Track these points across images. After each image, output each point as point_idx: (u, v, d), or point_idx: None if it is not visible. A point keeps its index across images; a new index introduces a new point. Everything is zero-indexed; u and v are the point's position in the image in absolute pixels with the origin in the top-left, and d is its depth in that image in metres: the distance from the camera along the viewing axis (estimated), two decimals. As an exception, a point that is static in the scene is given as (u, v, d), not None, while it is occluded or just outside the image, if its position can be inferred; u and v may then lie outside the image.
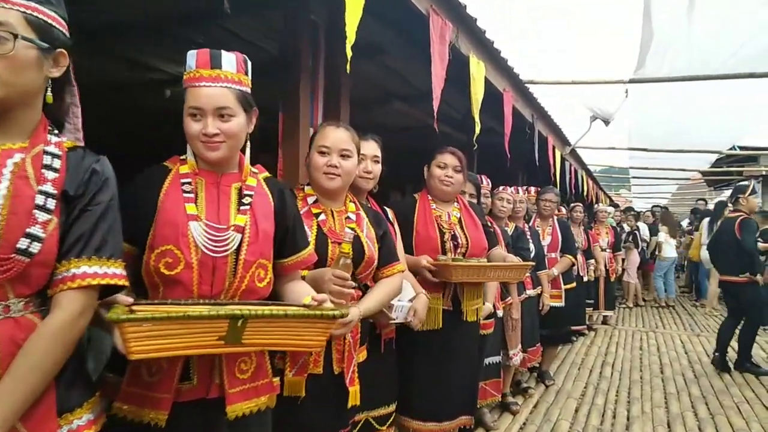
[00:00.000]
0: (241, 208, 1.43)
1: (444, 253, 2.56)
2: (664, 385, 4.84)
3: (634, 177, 12.71)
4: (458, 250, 2.58)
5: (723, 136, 8.61)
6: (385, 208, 2.49)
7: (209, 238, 1.35)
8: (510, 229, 4.09)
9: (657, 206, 10.58)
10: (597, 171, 13.85)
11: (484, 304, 3.05)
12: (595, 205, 8.08)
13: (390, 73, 5.35)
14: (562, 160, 7.39)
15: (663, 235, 9.48)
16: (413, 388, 2.54)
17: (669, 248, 9.46)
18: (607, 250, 7.57)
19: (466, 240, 2.59)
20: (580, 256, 6.69)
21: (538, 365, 4.80)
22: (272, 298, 1.53)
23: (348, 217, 1.90)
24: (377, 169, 2.25)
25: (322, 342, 1.26)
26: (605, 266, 7.44)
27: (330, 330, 1.27)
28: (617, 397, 4.51)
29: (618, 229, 8.25)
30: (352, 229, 1.85)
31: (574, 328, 6.71)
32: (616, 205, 12.72)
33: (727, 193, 15.43)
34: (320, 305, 1.37)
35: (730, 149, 10.31)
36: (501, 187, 4.01)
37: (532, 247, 4.37)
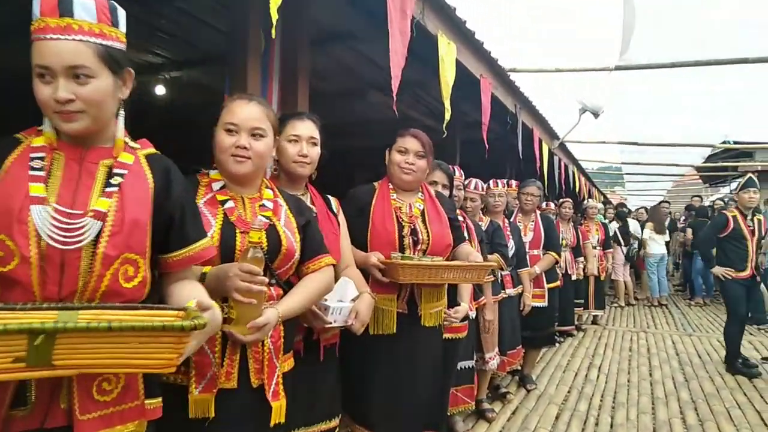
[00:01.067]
0: (107, 190, 1.16)
1: (402, 249, 2.29)
2: (652, 389, 4.59)
3: (627, 174, 12.45)
4: (418, 247, 2.31)
5: (716, 131, 8.33)
6: (329, 197, 2.22)
7: (56, 226, 1.08)
8: (484, 224, 3.82)
9: (666, 201, 10.29)
10: (592, 169, 13.63)
11: (460, 304, 2.80)
12: (585, 201, 7.83)
13: (369, 62, 5.10)
14: (551, 154, 7.14)
15: (648, 232, 9.23)
16: (369, 399, 2.28)
17: (655, 244, 9.22)
18: (597, 248, 7.32)
19: (428, 235, 2.32)
20: (568, 254, 6.46)
21: (520, 368, 4.55)
22: (159, 302, 1.27)
23: (263, 205, 1.62)
24: (314, 152, 1.98)
25: (172, 361, 0.99)
26: (595, 264, 7.20)
27: (183, 345, 0.99)
28: (602, 403, 4.25)
29: (608, 225, 7.98)
30: (268, 217, 1.58)
31: (561, 328, 6.48)
32: (610, 203, 12.44)
33: (724, 189, 15.23)
34: (201, 312, 1.10)
35: (723, 142, 10.09)
36: (467, 181, 3.74)
37: (511, 243, 4.12)
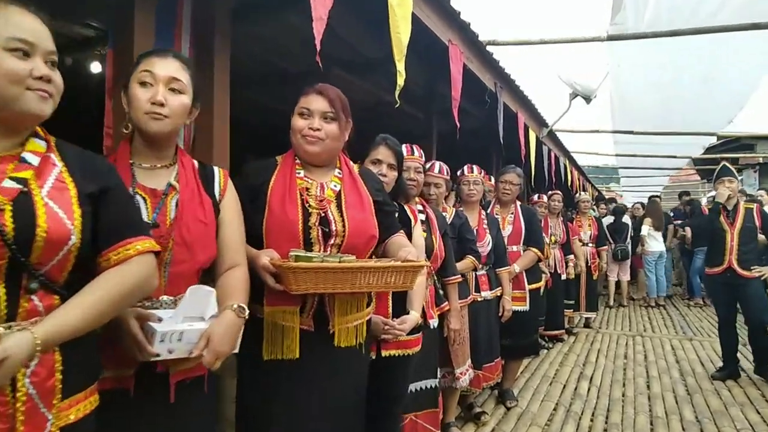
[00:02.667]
0: None
1: (308, 244, 1.68)
2: (650, 406, 3.99)
3: (622, 167, 11.85)
4: (331, 241, 1.70)
5: (715, 119, 7.73)
6: (214, 168, 1.61)
7: None
8: (449, 215, 3.21)
9: (657, 196, 9.65)
10: (587, 166, 13.00)
11: (409, 312, 2.21)
12: (576, 195, 7.23)
13: (331, 36, 4.48)
14: (539, 143, 6.53)
15: (646, 228, 8.62)
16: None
17: (653, 241, 8.62)
18: (589, 244, 6.72)
19: (344, 225, 1.71)
20: (557, 251, 5.87)
21: (498, 382, 3.94)
22: None
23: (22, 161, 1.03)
24: (178, 102, 1.38)
25: None
26: (586, 262, 6.61)
27: None
28: (592, 423, 3.66)
29: (601, 221, 7.37)
30: (19, 181, 0.98)
31: (550, 332, 5.90)
32: (603, 199, 11.79)
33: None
34: None
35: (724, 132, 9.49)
36: (430, 164, 3.15)
37: (488, 238, 3.52)
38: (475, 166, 3.60)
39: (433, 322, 2.75)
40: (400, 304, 2.24)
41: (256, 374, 1.71)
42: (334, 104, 1.74)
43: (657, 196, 9.31)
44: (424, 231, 2.76)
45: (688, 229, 8.90)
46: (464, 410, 3.65)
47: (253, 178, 1.76)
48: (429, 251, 2.73)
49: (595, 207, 9.30)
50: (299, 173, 1.78)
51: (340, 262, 1.51)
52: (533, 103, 5.83)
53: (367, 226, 1.75)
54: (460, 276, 2.96)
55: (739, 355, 4.76)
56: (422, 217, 2.81)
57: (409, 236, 2.35)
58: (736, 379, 4.58)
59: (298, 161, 1.80)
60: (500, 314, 3.57)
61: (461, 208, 3.61)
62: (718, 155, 9.61)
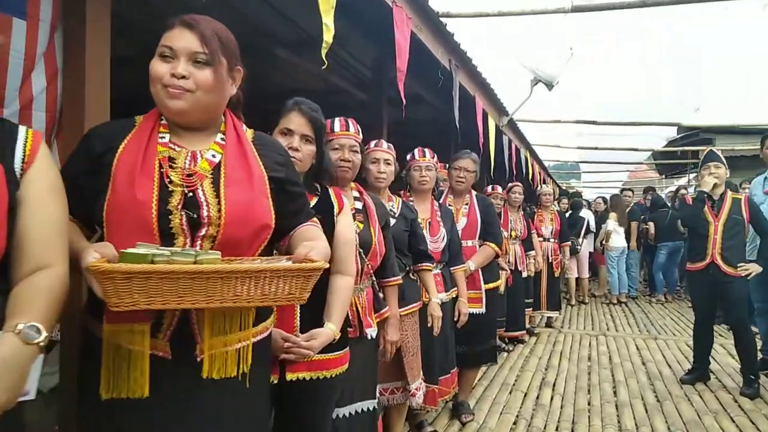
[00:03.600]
0: None
1: (166, 235, 1.18)
2: (618, 416, 3.63)
3: (583, 161, 11.66)
4: (201, 231, 1.20)
5: (677, 112, 7.52)
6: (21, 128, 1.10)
7: None
8: (395, 205, 2.76)
9: (629, 189, 9.45)
10: (549, 165, 12.81)
11: (324, 324, 1.74)
12: (538, 187, 6.90)
13: (271, 11, 3.98)
14: (499, 132, 6.15)
15: (612, 223, 8.38)
16: None
17: (617, 237, 8.40)
18: (551, 240, 6.39)
19: (219, 210, 1.21)
20: (518, 247, 5.51)
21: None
22: None
23: None
24: None
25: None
26: (548, 259, 6.27)
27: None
28: (556, 439, 3.27)
29: (564, 215, 7.06)
30: None
31: (510, 334, 5.52)
32: (566, 193, 11.55)
33: (680, 180, 14.68)
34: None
35: (685, 127, 9.36)
36: (375, 142, 2.70)
37: (442, 232, 3.08)
38: (427, 150, 3.15)
39: (371, 332, 2.30)
40: (314, 314, 1.77)
41: (99, 420, 1.20)
42: (207, 42, 1.24)
43: (629, 189, 9.08)
44: (360, 222, 2.31)
45: (651, 223, 8.77)
46: (413, 429, 3.21)
47: (97, 143, 1.26)
48: (366, 246, 2.27)
49: (557, 202, 9.05)
50: (163, 138, 1.28)
51: (195, 261, 1.01)
52: (492, 88, 5.44)
53: (255, 211, 1.26)
54: (399, 277, 2.51)
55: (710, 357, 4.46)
56: (358, 205, 2.36)
57: (332, 227, 1.89)
58: (705, 383, 4.28)
59: (163, 122, 1.30)
60: (456, 319, 3.14)
61: (411, 199, 3.16)
62: (679, 148, 9.48)
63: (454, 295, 3.14)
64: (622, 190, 8.67)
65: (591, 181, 16.25)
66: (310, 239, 1.34)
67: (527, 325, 6.13)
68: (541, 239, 6.25)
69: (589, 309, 7.99)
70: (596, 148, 8.87)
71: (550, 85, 6.10)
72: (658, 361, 5.05)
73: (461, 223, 3.46)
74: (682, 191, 8.87)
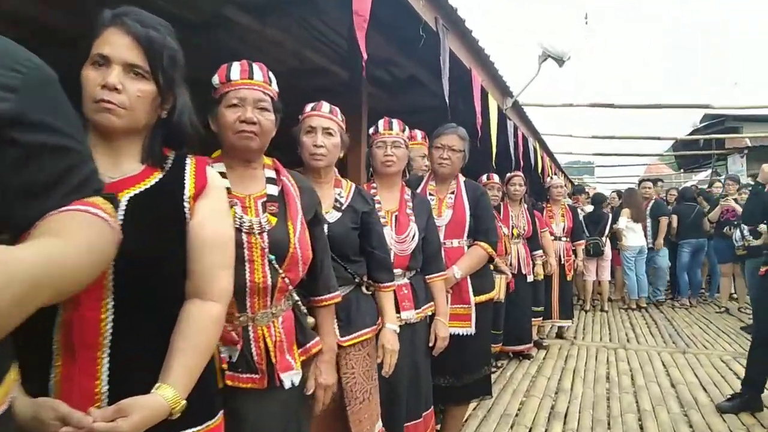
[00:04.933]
0: None
1: None
2: (648, 463, 2.85)
3: (597, 154, 10.78)
4: None
5: (707, 93, 6.68)
6: None
7: None
8: (343, 192, 2.01)
9: (649, 180, 8.49)
10: (563, 165, 11.93)
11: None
12: (547, 179, 6.09)
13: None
14: (502, 116, 5.37)
15: (624, 220, 7.51)
16: None
17: (633, 235, 7.53)
18: (563, 239, 5.59)
19: None
20: (521, 247, 4.72)
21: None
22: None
23: None
24: None
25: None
26: (559, 260, 5.47)
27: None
28: (568, 500, 2.49)
29: (577, 210, 6.24)
30: None
31: (515, 348, 4.75)
32: (583, 190, 10.57)
33: (700, 175, 13.69)
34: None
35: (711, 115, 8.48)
36: (313, 105, 1.96)
37: (412, 229, 2.32)
38: (396, 121, 2.39)
39: (291, 377, 1.55)
40: (140, 366, 1.03)
41: None
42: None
43: (649, 180, 8.17)
44: (272, 214, 1.59)
45: (674, 217, 7.91)
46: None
47: None
48: (279, 251, 1.54)
49: (570, 198, 8.23)
50: None
51: None
52: (492, 61, 4.65)
53: None
54: (339, 294, 1.75)
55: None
56: (271, 189, 1.64)
57: (179, 219, 1.14)
58: (755, 414, 3.47)
59: None
60: (430, 344, 2.37)
61: (374, 185, 2.40)
62: (703, 136, 8.61)
63: (430, 312, 2.38)
64: (641, 181, 7.76)
65: (605, 177, 15.32)
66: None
67: (535, 337, 5.36)
68: (552, 238, 5.46)
69: (605, 316, 7.16)
70: (613, 137, 8.01)
71: (560, 61, 5.30)
72: (690, 383, 4.23)
73: (445, 216, 2.69)
74: (718, 185, 7.98)
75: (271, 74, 1.61)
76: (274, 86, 1.61)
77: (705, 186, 9.56)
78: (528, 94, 5.69)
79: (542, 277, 5.17)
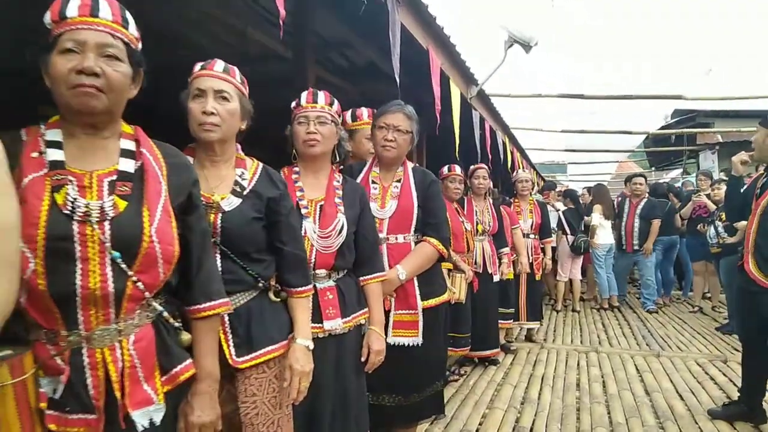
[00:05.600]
0: None
1: None
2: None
3: (568, 150, 10.55)
4: None
5: (680, 83, 6.44)
6: None
7: None
8: (248, 172, 1.62)
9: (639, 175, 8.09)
10: (537, 162, 11.66)
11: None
12: (513, 173, 5.76)
13: None
14: (466, 105, 5.02)
15: (597, 217, 7.24)
16: None
17: (603, 232, 7.28)
18: (531, 236, 5.27)
19: None
20: (487, 244, 4.38)
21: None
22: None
23: None
24: None
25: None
26: (528, 259, 5.14)
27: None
28: None
29: (545, 206, 5.92)
30: None
31: (480, 354, 4.40)
32: (554, 186, 10.30)
33: (673, 173, 13.58)
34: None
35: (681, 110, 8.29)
36: (206, 63, 1.56)
37: (341, 221, 1.92)
38: (322, 92, 1.99)
39: (151, 416, 1.15)
40: None
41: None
42: None
43: (641, 176, 7.81)
44: (122, 197, 1.18)
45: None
46: None
47: None
48: (128, 245, 1.14)
49: (539, 194, 7.96)
50: None
51: None
52: (453, 44, 4.29)
53: None
54: (225, 302, 1.36)
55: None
56: (125, 165, 1.23)
57: None
58: (758, 425, 3.15)
59: None
60: (363, 359, 1.98)
61: (297, 169, 2.01)
62: (675, 131, 8.42)
63: (363, 321, 1.99)
64: (631, 177, 7.40)
65: (578, 174, 15.16)
66: None
67: (503, 340, 5.03)
68: (521, 234, 5.13)
69: (577, 316, 6.88)
70: (584, 131, 7.75)
71: (527, 47, 4.99)
72: (666, 390, 3.93)
73: (389, 208, 2.30)
74: (690, 181, 7.73)
75: (127, 14, 1.21)
76: (132, 30, 1.21)
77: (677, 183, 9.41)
78: (494, 84, 5.37)
79: (512, 276, 4.85)
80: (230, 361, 1.47)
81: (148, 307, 1.19)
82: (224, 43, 4.52)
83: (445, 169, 4.11)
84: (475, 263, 4.26)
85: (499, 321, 4.70)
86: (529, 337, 5.47)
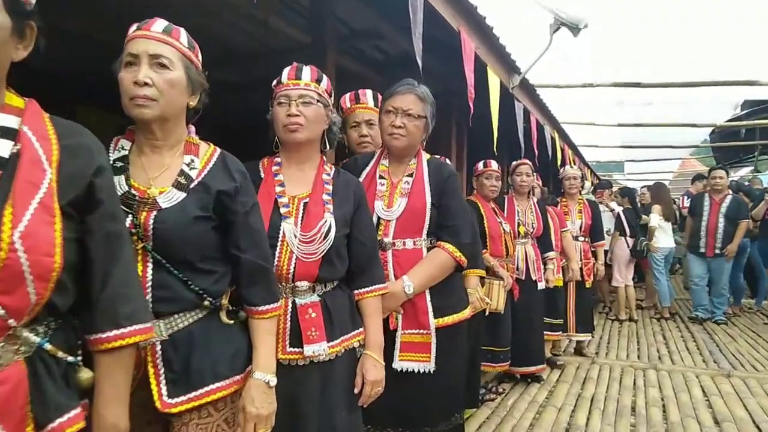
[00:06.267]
0: None
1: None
2: None
3: (626, 146, 9.80)
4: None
5: (744, 73, 5.72)
6: None
7: None
8: (200, 160, 1.30)
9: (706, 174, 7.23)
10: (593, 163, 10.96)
11: None
12: (561, 169, 5.25)
13: None
14: (507, 95, 4.59)
15: (656, 218, 6.57)
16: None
17: (664, 236, 6.61)
18: (580, 238, 4.76)
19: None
20: (530, 247, 3.94)
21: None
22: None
23: None
24: None
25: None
26: (579, 263, 4.64)
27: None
28: None
29: (597, 205, 5.37)
30: None
31: (523, 370, 3.97)
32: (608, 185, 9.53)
33: (740, 172, 12.44)
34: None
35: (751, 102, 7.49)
36: (135, 26, 1.28)
37: (328, 221, 1.58)
38: (308, 67, 1.66)
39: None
40: None
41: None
42: None
43: (722, 168, 6.96)
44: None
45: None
46: None
47: None
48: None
49: (592, 194, 7.35)
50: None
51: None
52: (490, 26, 3.87)
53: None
54: (142, 329, 1.03)
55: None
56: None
57: None
58: None
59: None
60: (357, 389, 1.63)
61: (278, 159, 1.68)
62: (746, 123, 7.61)
63: (357, 343, 1.64)
64: (711, 170, 6.64)
65: (636, 173, 14.20)
66: None
67: (549, 354, 4.54)
68: (571, 237, 4.64)
69: (634, 327, 6.26)
70: (642, 125, 7.09)
71: (576, 29, 4.48)
72: (740, 418, 3.37)
73: (397, 207, 1.94)
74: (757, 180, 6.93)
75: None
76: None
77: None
78: (540, 72, 4.90)
79: (561, 284, 4.38)
80: (158, 404, 1.15)
81: (16, 339, 0.89)
82: (246, 33, 4.27)
83: (481, 164, 3.70)
84: (517, 269, 3.84)
85: (546, 332, 4.25)
86: (578, 351, 4.95)
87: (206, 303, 1.25)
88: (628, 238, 6.41)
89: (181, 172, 1.27)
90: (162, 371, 1.18)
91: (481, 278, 3.10)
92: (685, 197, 7.29)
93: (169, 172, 1.27)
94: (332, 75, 3.56)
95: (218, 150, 1.37)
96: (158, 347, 1.19)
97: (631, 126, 7.37)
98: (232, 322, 1.31)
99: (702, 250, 6.33)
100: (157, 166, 1.28)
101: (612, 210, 6.67)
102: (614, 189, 8.31)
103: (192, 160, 1.30)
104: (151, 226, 1.19)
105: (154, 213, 1.20)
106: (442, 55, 3.87)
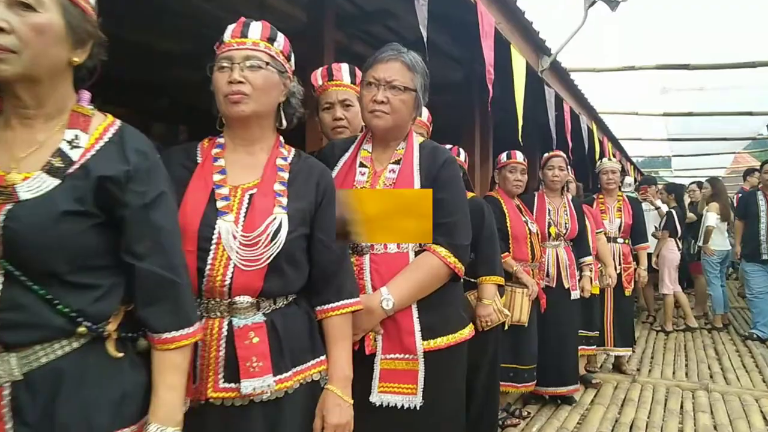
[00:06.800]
0: None
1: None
2: None
3: (673, 139, 9.10)
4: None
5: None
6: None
7: None
8: (90, 138, 0.94)
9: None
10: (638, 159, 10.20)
11: None
12: (598, 162, 4.73)
13: None
14: (534, 78, 4.14)
15: (713, 217, 5.94)
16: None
17: (720, 237, 6.00)
18: (619, 240, 4.27)
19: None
20: (563, 250, 3.50)
21: None
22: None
23: None
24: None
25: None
26: (617, 268, 4.14)
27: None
28: None
29: (639, 203, 4.84)
30: None
31: (555, 391, 3.53)
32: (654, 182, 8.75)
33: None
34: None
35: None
36: None
37: (278, 218, 1.23)
38: (259, 23, 1.31)
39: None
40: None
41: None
42: None
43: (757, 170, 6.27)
44: None
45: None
46: None
47: None
48: None
49: (636, 192, 6.77)
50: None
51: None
52: (514, 0, 3.44)
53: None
54: None
55: None
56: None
57: None
58: None
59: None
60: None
61: (220, 140, 1.33)
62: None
63: (317, 376, 1.27)
64: (765, 162, 5.93)
65: (684, 169, 13.32)
66: None
67: (583, 371, 4.05)
68: (605, 240, 4.16)
69: (682, 340, 5.67)
70: (691, 114, 6.47)
71: (614, 2, 4.00)
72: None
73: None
74: None
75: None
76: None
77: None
78: (573, 54, 4.43)
79: (597, 291, 3.90)
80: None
81: None
82: (243, 15, 3.98)
83: (504, 155, 3.28)
84: (546, 275, 3.41)
85: (580, 347, 3.78)
86: (617, 367, 4.44)
87: (81, 329, 0.92)
88: (678, 240, 5.85)
89: (58, 152, 0.94)
90: (9, 427, 0.85)
91: (501, 286, 2.70)
92: (740, 195, 6.62)
93: (41, 151, 0.94)
94: (331, 56, 3.23)
95: (117, 122, 1.03)
96: (5, 391, 0.86)
97: (678, 115, 6.75)
98: (121, 355, 0.97)
99: (765, 257, 5.59)
100: (26, 144, 0.95)
101: (658, 208, 6.10)
102: (660, 186, 7.69)
103: (76, 136, 0.97)
104: (1, 226, 0.86)
105: (6, 208, 0.87)
106: (465, 39, 3.48)
